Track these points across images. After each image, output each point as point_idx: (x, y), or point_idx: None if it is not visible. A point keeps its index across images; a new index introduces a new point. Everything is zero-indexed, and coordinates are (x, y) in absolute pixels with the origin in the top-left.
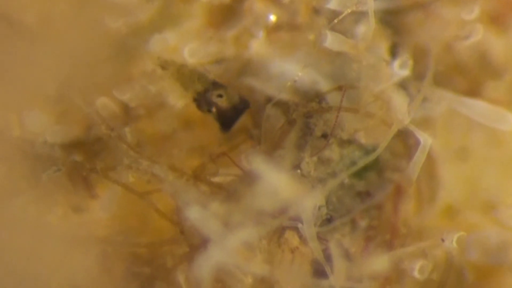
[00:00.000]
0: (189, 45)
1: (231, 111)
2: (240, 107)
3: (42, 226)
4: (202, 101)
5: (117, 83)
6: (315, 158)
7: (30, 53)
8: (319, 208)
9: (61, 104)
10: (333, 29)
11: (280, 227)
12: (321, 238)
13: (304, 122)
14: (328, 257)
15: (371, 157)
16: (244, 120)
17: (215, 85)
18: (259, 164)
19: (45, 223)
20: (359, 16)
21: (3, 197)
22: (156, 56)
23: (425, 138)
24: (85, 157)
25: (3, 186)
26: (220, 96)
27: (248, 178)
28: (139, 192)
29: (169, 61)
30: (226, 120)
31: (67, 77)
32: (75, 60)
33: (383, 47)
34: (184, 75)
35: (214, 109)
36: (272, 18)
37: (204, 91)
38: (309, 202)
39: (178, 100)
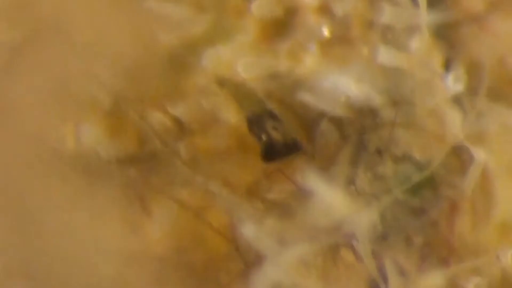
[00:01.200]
0: (242, 59)
1: (281, 146)
2: (291, 147)
3: (97, 241)
4: (254, 123)
5: (171, 97)
6: (369, 174)
7: (85, 67)
8: (374, 225)
9: (115, 118)
10: (387, 43)
11: (335, 244)
12: (376, 255)
13: (358, 137)
14: (383, 274)
15: (426, 173)
16: (298, 135)
17: (272, 115)
18: (313, 180)
19: (100, 238)
20: (412, 29)
21: (58, 212)
22: (213, 73)
23: (479, 154)
24: (139, 173)
25: (58, 201)
26: (275, 128)
27: (302, 195)
28: (193, 208)
29: (226, 78)
30: (272, 152)
31: (121, 91)
32: (129, 74)
33: (437, 61)
34: (241, 93)
35: (264, 137)
36: (325, 31)
37: (259, 114)
38: (363, 219)
39: (232, 116)
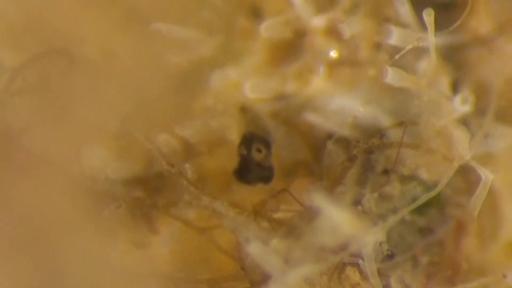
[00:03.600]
0: (250, 81)
1: (256, 168)
2: (264, 173)
3: (104, 261)
4: (243, 142)
5: (178, 118)
6: (376, 194)
7: (91, 88)
8: (380, 244)
9: (122, 140)
10: (394, 64)
11: (341, 263)
12: (382, 274)
13: (365, 158)
14: None
15: (433, 193)
16: (305, 156)
17: (264, 139)
18: (320, 200)
19: (107, 259)
20: (420, 51)
21: (65, 232)
22: (221, 95)
23: (486, 174)
24: (146, 193)
25: (65, 221)
26: (259, 150)
27: (309, 214)
28: (200, 228)
29: (248, 106)
30: (245, 172)
31: (128, 113)
32: (136, 96)
33: (445, 83)
34: (249, 115)
35: (243, 154)
36: (333, 53)
37: (253, 135)
38: (370, 238)
39: (238, 137)
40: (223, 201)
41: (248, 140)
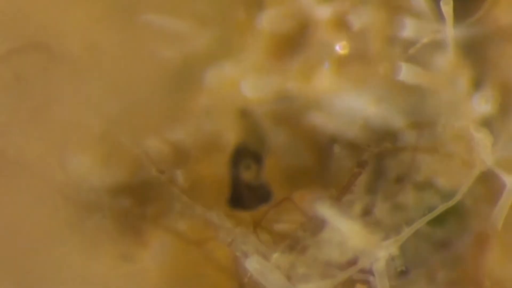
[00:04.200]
0: (249, 78)
1: (248, 191)
2: (260, 194)
3: (87, 275)
4: (233, 159)
5: (169, 120)
6: (388, 204)
7: (73, 87)
8: (393, 259)
9: (107, 144)
10: (408, 60)
11: (350, 281)
12: None
13: (376, 163)
14: None
15: (451, 202)
16: (309, 161)
17: (254, 153)
18: (326, 210)
19: (90, 273)
20: (437, 45)
21: (46, 244)
22: (216, 93)
23: (511, 181)
24: (133, 203)
25: (46, 233)
26: (247, 167)
27: (314, 226)
28: (193, 241)
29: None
30: (239, 199)
31: (114, 114)
32: (123, 95)
33: (464, 80)
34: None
35: (233, 177)
36: (340, 48)
37: (244, 148)
38: (381, 253)
39: (233, 138)
40: (218, 211)
41: (236, 157)
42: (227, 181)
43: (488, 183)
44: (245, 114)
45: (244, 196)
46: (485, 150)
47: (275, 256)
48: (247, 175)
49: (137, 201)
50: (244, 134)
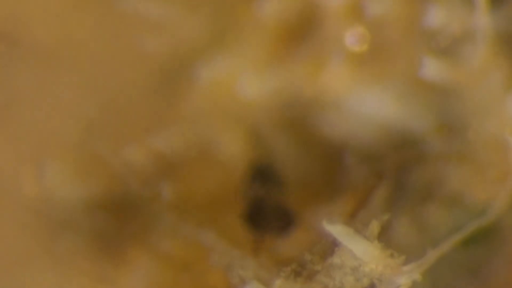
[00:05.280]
0: (247, 75)
1: (269, 212)
2: (282, 217)
3: None
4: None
5: (154, 125)
6: (410, 222)
7: (42, 85)
8: (416, 286)
9: (83, 153)
10: (434, 53)
11: None
12: None
13: (395, 175)
14: None
15: (483, 220)
16: (318, 172)
17: (273, 178)
18: (337, 229)
19: None
20: (468, 37)
21: (14, 265)
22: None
23: None
24: (113, 220)
25: (15, 252)
26: (267, 193)
27: (324, 248)
28: (180, 264)
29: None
30: (259, 217)
31: (91, 118)
32: (101, 95)
33: (500, 77)
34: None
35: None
36: (355, 39)
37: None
38: (403, 279)
39: (232, 149)
40: (210, 231)
41: (259, 175)
42: (238, 195)
43: None
44: (257, 137)
45: (264, 216)
46: None
47: (278, 283)
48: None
49: (117, 218)
50: (249, 139)
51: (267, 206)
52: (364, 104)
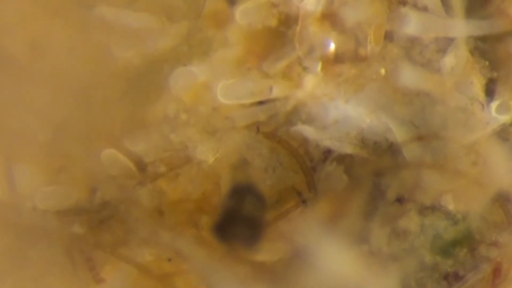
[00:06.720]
0: (223, 81)
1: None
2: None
3: None
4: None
5: (129, 130)
6: (388, 230)
7: (16, 91)
8: None
9: (56, 158)
10: (411, 60)
11: None
12: None
13: (373, 182)
14: None
15: (461, 228)
16: (296, 180)
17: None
18: (315, 237)
19: None
20: (445, 44)
21: None
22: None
23: None
24: (87, 228)
25: None
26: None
27: (301, 255)
28: (157, 275)
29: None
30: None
31: (64, 122)
32: (74, 100)
33: (477, 85)
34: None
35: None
36: (332, 46)
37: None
38: (380, 287)
39: (209, 154)
40: (188, 238)
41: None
42: (217, 204)
43: (504, 206)
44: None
45: (234, 226)
46: (501, 167)
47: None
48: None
49: (92, 227)
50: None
51: (238, 218)
52: (342, 112)
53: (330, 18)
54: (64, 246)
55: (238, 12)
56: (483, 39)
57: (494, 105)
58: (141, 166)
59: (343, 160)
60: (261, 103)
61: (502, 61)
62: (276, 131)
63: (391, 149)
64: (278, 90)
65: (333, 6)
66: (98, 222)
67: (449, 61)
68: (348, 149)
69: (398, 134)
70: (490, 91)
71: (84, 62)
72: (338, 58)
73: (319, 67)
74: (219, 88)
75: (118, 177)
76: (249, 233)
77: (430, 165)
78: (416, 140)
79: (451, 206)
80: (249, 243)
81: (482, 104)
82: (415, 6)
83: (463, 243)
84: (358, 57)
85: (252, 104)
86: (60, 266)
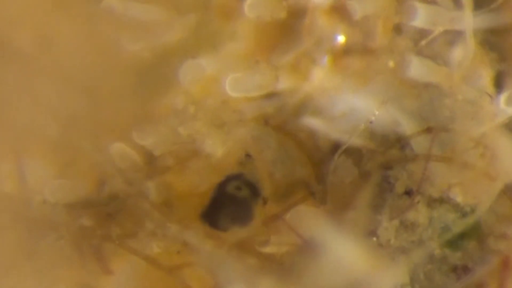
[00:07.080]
0: (231, 74)
1: (230, 204)
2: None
3: None
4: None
5: (138, 124)
6: (396, 222)
7: (24, 85)
8: (402, 287)
9: (64, 152)
10: (420, 53)
11: None
12: None
13: (382, 175)
14: None
15: (470, 220)
16: (304, 173)
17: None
18: (323, 230)
19: None
20: (454, 36)
21: None
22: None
23: None
24: (96, 221)
25: None
26: (238, 188)
27: (309, 248)
28: (166, 267)
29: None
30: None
31: (72, 116)
32: (83, 94)
33: (485, 77)
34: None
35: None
36: (341, 39)
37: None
38: (388, 280)
39: (217, 147)
40: (196, 231)
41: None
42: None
43: None
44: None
45: (222, 213)
46: (510, 160)
47: (263, 284)
48: (235, 193)
49: (101, 220)
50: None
51: (226, 202)
52: (350, 105)
53: (338, 10)
54: (73, 238)
55: (247, 5)
56: (491, 31)
57: (502, 97)
58: (149, 159)
59: (352, 152)
60: (269, 96)
61: (511, 53)
62: (285, 124)
63: (400, 141)
64: (286, 83)
65: None
66: (106, 214)
67: (457, 53)
68: (356, 141)
69: (406, 126)
70: (498, 84)
71: (92, 55)
72: (346, 51)
73: (327, 59)
74: (227, 81)
75: (126, 171)
76: (238, 213)
77: (438, 157)
78: (424, 132)
79: (459, 199)
80: (239, 222)
81: (491, 97)
82: None
83: (472, 236)
84: (367, 50)
85: (260, 97)
86: (69, 257)
